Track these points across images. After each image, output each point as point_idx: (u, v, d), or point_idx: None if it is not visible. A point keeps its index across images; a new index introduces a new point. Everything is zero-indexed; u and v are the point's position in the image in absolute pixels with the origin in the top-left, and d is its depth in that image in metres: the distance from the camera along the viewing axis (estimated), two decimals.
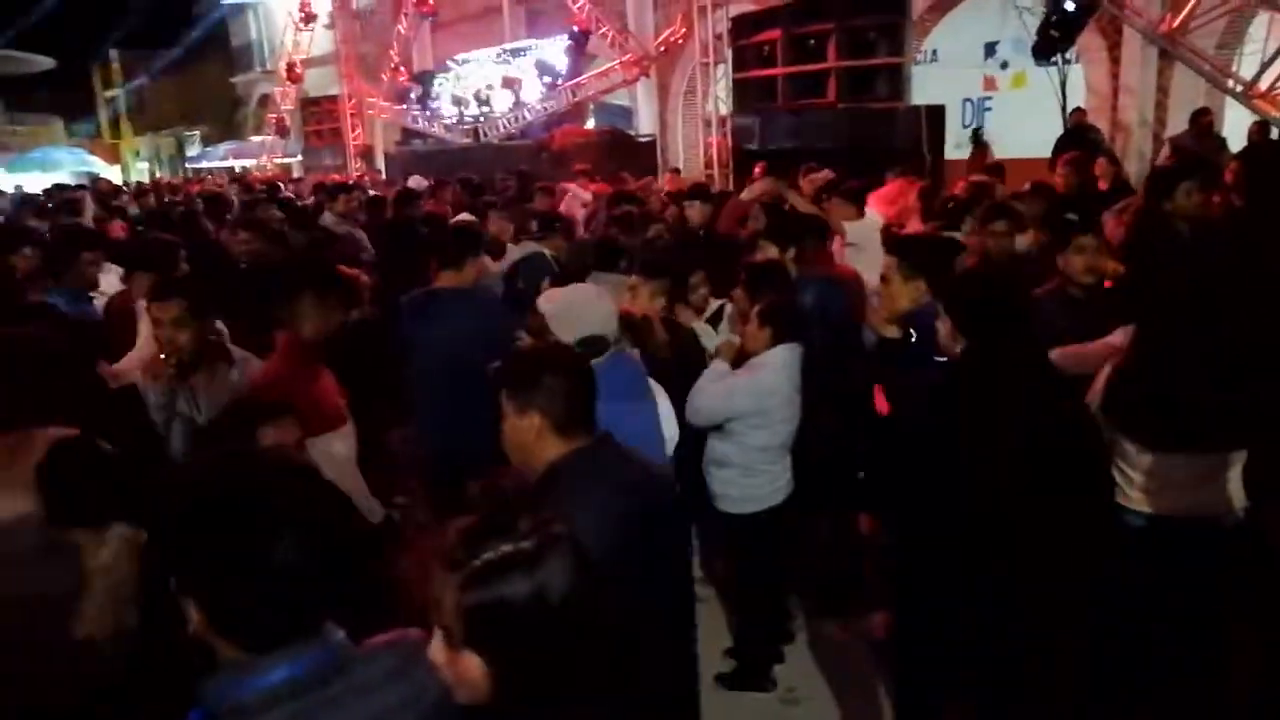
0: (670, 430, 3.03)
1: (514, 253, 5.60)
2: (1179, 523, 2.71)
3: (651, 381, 3.04)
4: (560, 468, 1.97)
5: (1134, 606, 2.77)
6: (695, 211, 6.40)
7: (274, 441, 2.19)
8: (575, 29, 15.76)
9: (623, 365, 2.89)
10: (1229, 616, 2.81)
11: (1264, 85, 7.83)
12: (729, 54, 12.54)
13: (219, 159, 27.54)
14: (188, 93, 33.43)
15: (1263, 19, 9.02)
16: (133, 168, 36.58)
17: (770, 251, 4.38)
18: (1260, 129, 8.71)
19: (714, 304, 4.43)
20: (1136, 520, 2.78)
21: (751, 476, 3.57)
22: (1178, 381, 2.58)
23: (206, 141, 31.62)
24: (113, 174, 30.40)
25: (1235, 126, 9.39)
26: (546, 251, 5.53)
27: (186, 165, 31.52)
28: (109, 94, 38.66)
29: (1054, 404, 2.58)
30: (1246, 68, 8.63)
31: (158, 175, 31.78)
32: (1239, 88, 8.11)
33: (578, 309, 2.89)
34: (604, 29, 15.78)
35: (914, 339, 3.34)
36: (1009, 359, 2.58)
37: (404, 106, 19.57)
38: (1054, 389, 2.62)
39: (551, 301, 2.95)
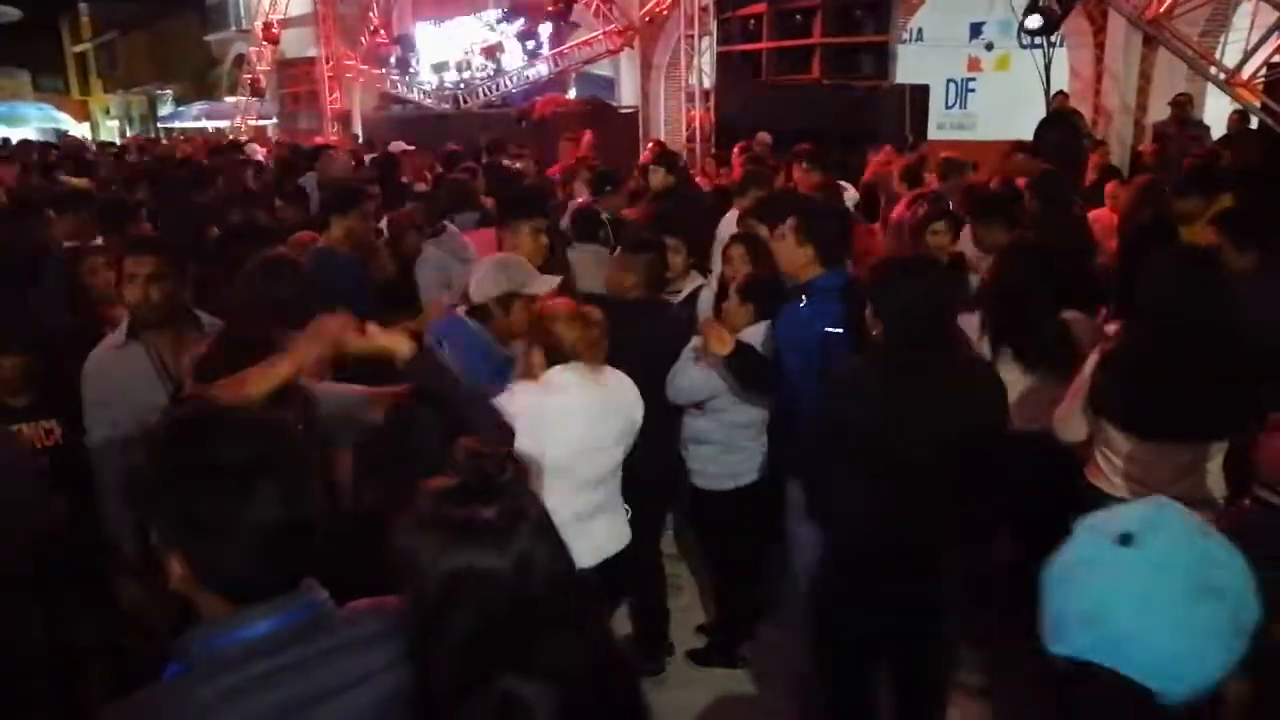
0: None
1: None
2: None
3: None
4: None
5: None
6: (658, 177, 6.41)
7: None
8: None
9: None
10: None
11: (1246, 73, 7.84)
12: (714, 27, 12.41)
13: (191, 119, 26.98)
14: (160, 50, 32.69)
15: (1246, 7, 9.04)
16: (102, 125, 35.80)
17: (760, 230, 4.33)
18: (1240, 118, 8.74)
19: (691, 284, 4.32)
20: None
21: (731, 453, 3.54)
22: (1165, 370, 2.57)
23: (179, 101, 30.95)
24: (81, 131, 29.74)
25: (1217, 114, 9.42)
26: (604, 213, 5.41)
27: (158, 125, 30.88)
28: (78, 48, 37.73)
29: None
30: (1229, 56, 8.65)
31: (128, 134, 31.12)
32: (1221, 75, 8.12)
33: None
34: None
35: (804, 303, 3.30)
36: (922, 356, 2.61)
37: (383, 71, 19.24)
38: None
39: None
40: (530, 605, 1.23)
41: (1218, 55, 9.01)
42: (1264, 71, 7.75)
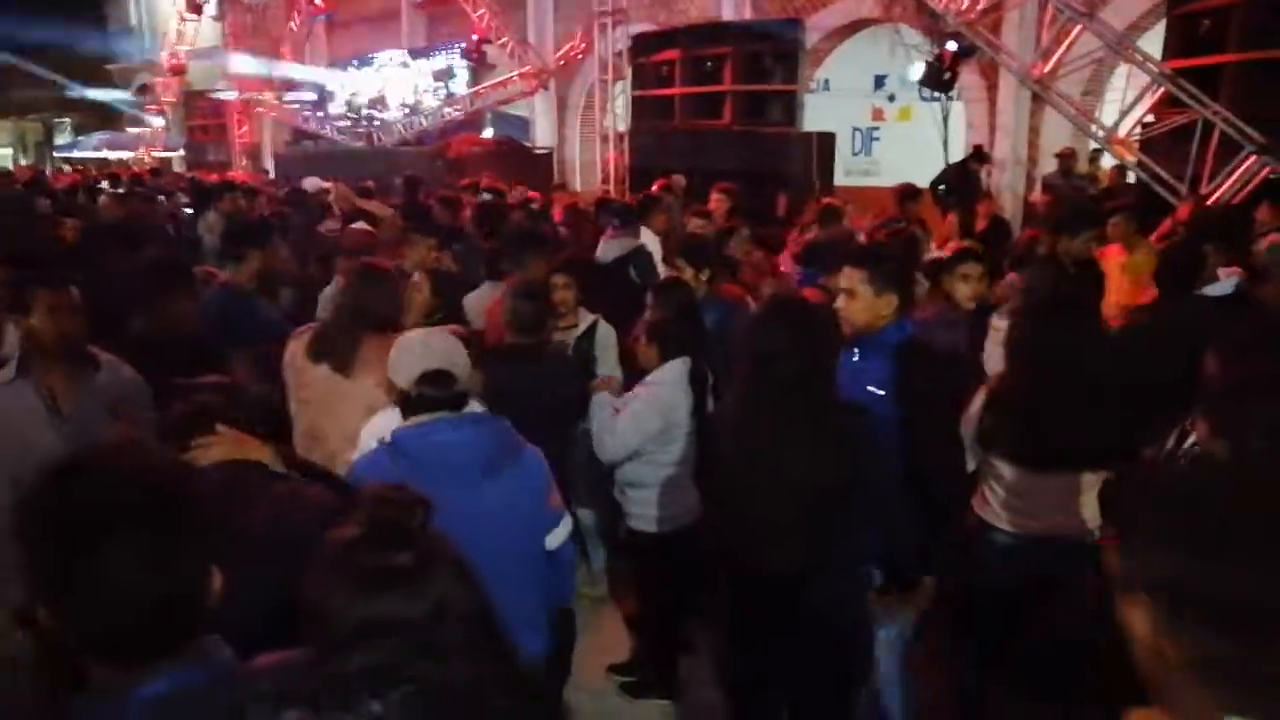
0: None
1: (612, 248, 5.60)
2: (1044, 540, 2.90)
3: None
4: None
5: (996, 622, 2.94)
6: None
7: None
8: (474, 37, 15.67)
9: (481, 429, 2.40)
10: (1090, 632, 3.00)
11: (1123, 131, 8.41)
12: (629, 71, 12.69)
13: (91, 149, 26.08)
14: (59, 76, 31.51)
15: (1123, 70, 9.69)
16: None
17: (685, 272, 4.45)
18: (1118, 172, 9.35)
19: (585, 321, 4.28)
20: (1003, 538, 2.96)
21: (668, 494, 3.52)
22: (1046, 406, 2.78)
23: (79, 130, 29.88)
24: None
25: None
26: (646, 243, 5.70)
27: (54, 154, 29.73)
28: None
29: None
30: (1108, 114, 9.26)
31: (21, 163, 29.84)
32: (1100, 132, 8.69)
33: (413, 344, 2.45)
34: (503, 39, 15.73)
35: (856, 356, 3.01)
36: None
37: (295, 105, 19.02)
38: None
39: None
40: (441, 650, 1.19)
41: (1098, 114, 9.64)
42: (1138, 130, 8.33)
